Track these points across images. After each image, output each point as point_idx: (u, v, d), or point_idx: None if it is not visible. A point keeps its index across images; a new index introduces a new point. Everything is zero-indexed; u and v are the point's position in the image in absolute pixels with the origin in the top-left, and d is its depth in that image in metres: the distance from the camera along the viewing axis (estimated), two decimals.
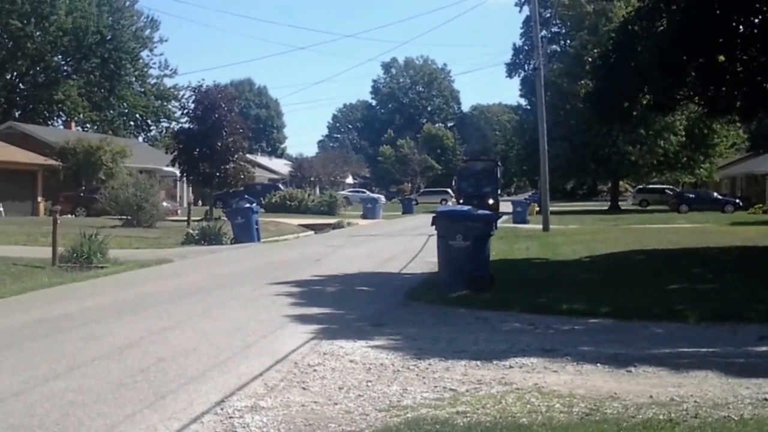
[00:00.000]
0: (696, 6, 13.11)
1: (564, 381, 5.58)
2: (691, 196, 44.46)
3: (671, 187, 53.17)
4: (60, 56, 55.25)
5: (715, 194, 45.66)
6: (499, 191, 36.26)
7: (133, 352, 6.60)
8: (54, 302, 9.66)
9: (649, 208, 47.59)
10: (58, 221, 14.55)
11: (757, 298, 8.99)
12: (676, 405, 4.87)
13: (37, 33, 51.24)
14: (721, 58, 13.79)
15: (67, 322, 8.22)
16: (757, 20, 14.00)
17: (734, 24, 13.83)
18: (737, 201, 42.21)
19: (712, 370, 5.81)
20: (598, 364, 6.07)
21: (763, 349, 6.75)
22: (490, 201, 30.46)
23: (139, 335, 7.39)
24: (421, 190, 69.22)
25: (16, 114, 51.89)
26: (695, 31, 12.76)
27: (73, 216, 29.24)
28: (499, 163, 41.45)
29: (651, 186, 53.04)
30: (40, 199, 32.42)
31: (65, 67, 56.20)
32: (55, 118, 55.82)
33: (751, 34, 13.98)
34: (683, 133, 43.23)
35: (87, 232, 14.75)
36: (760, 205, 38.04)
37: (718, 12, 13.10)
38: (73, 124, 49.07)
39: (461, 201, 31.69)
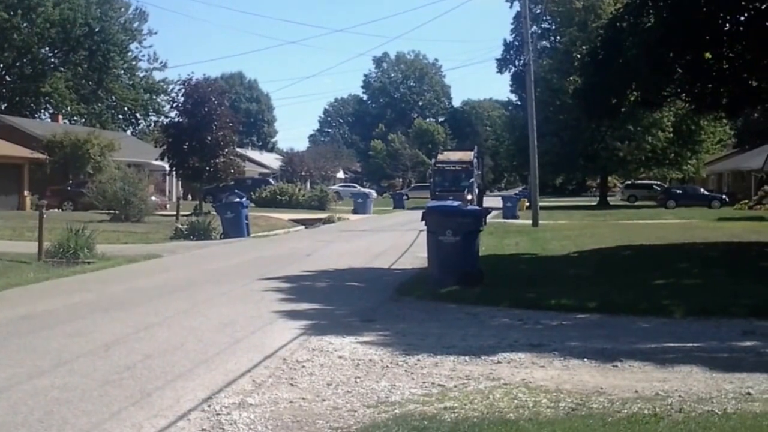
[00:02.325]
0: (683, 3, 13.17)
1: (551, 376, 5.62)
2: (678, 192, 44.80)
3: (659, 182, 53.53)
4: (47, 48, 54.77)
5: (702, 190, 46.07)
6: (479, 184, 34.14)
7: (120, 349, 6.57)
8: (39, 298, 9.59)
9: (637, 203, 47.90)
10: (45, 215, 14.42)
11: (741, 293, 9.08)
12: (660, 400, 4.92)
13: (24, 24, 50.76)
14: (708, 55, 13.87)
15: (53, 319, 8.16)
16: (743, 18, 14.08)
17: (721, 21, 13.91)
18: (723, 197, 42.60)
19: (697, 365, 5.87)
20: (585, 359, 6.12)
21: (747, 344, 6.82)
22: (469, 196, 28.91)
23: (126, 332, 7.36)
24: (412, 185, 69.24)
25: (3, 107, 51.40)
26: (682, 28, 12.82)
27: (60, 210, 29.01)
28: (481, 156, 39.41)
29: (639, 182, 53.39)
30: (26, 192, 32.13)
31: (52, 59, 55.72)
32: (42, 111, 55.38)
33: (737, 32, 14.06)
34: (671, 129, 43.52)
35: (74, 226, 14.65)
36: (746, 201, 38.39)
37: (705, 9, 13.16)
38: (60, 116, 48.61)
39: (436, 196, 29.60)
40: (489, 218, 21.27)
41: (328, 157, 67.31)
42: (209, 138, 28.61)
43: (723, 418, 4.51)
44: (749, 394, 5.05)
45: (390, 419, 4.59)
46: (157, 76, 59.99)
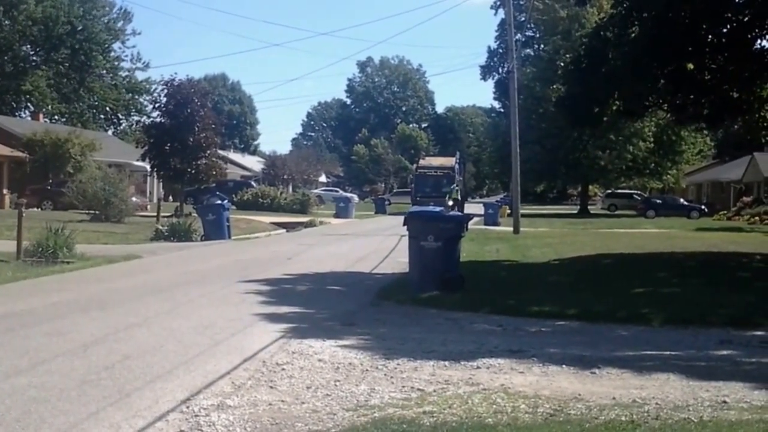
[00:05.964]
0: (667, 14, 13.36)
1: (530, 382, 5.66)
2: (658, 201, 45.33)
3: (639, 192, 54.16)
4: (29, 46, 54.14)
5: (681, 200, 46.69)
6: (461, 190, 34.18)
7: (99, 349, 6.50)
8: (18, 297, 9.46)
9: (617, 212, 48.40)
10: (24, 214, 14.22)
11: (719, 302, 9.22)
12: (638, 407, 4.97)
13: (6, 22, 50.16)
14: (690, 66, 14.08)
15: (31, 318, 8.05)
16: (725, 29, 14.32)
17: (703, 33, 14.13)
18: (702, 207, 43.20)
19: (674, 373, 5.93)
20: (564, 366, 6.16)
21: (724, 352, 6.92)
22: (450, 202, 29.00)
23: (105, 332, 7.28)
24: (394, 190, 69.30)
25: None
26: (666, 39, 13.00)
27: (40, 209, 28.64)
28: (463, 162, 39.25)
29: (619, 191, 54.00)
30: (5, 191, 31.68)
31: (34, 57, 55.07)
32: (23, 109, 54.70)
33: (719, 43, 14.30)
34: (652, 139, 44.09)
35: (53, 226, 14.46)
36: (725, 212, 38.96)
37: (688, 21, 13.36)
38: (41, 115, 48.00)
39: (417, 202, 29.33)
40: (470, 225, 21.35)
41: (310, 161, 67.13)
42: (191, 139, 28.40)
43: (699, 425, 4.56)
44: (725, 402, 5.12)
45: (369, 423, 4.59)
46: (140, 76, 59.54)
